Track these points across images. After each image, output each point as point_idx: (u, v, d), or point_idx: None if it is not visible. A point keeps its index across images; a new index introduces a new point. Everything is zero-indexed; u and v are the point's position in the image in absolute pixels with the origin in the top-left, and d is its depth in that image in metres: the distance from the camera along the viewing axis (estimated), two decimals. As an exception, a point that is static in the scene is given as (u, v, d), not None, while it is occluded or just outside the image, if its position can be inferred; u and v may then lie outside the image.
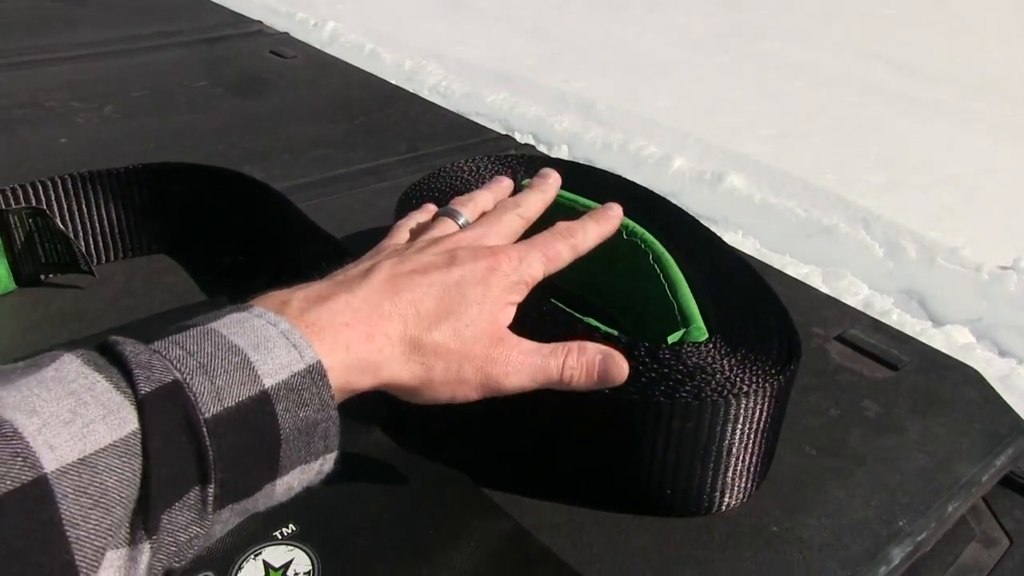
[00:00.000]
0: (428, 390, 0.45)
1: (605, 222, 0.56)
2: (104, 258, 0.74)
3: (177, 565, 0.36)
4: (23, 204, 0.69)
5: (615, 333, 0.52)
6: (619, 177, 0.74)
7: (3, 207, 0.68)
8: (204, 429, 0.34)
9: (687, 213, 0.69)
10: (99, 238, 0.74)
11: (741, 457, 0.51)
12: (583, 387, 0.47)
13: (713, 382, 0.49)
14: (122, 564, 0.33)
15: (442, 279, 0.45)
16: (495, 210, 0.55)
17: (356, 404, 0.55)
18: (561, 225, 0.53)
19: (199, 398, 0.34)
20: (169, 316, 0.68)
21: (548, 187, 0.59)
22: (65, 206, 0.71)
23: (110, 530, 0.32)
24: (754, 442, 0.51)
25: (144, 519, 0.33)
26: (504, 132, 1.09)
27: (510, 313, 0.48)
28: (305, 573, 0.47)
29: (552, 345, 0.47)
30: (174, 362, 0.35)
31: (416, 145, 0.99)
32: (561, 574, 0.47)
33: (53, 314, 0.68)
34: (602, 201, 0.61)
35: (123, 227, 0.74)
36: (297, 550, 0.48)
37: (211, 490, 0.35)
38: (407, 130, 1.04)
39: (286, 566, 0.47)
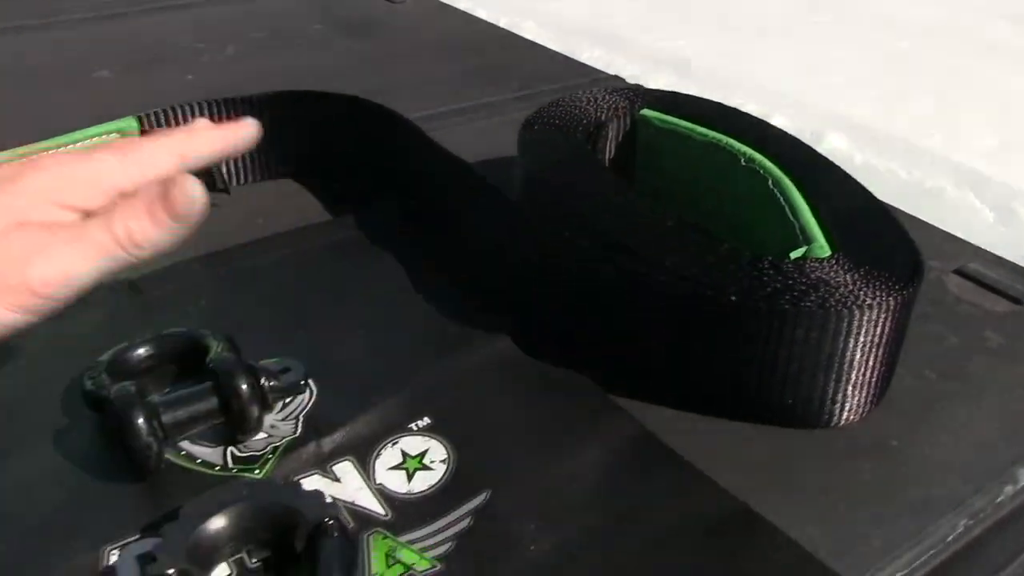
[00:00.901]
0: None
1: (223, 129, 0.47)
2: (234, 181, 0.77)
3: None
4: (164, 127, 0.72)
5: (729, 248, 0.53)
6: (735, 110, 0.74)
7: (147, 129, 0.71)
8: None
9: (805, 144, 0.69)
10: (230, 162, 0.77)
11: (861, 371, 0.51)
12: (153, 239, 0.38)
13: (837, 294, 0.50)
14: None
15: None
16: None
17: (483, 318, 0.58)
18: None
19: None
20: (298, 233, 0.71)
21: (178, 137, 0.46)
22: (200, 130, 0.74)
23: None
24: (875, 356, 0.51)
25: None
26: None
27: (51, 216, 0.38)
28: (441, 460, 0.49)
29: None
30: None
31: (528, 84, 1.01)
32: (685, 473, 0.49)
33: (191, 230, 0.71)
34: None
35: (252, 151, 0.77)
36: (433, 440, 0.50)
37: None
38: (518, 70, 1.06)
39: (422, 454, 0.50)
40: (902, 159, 2.86)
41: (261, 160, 0.78)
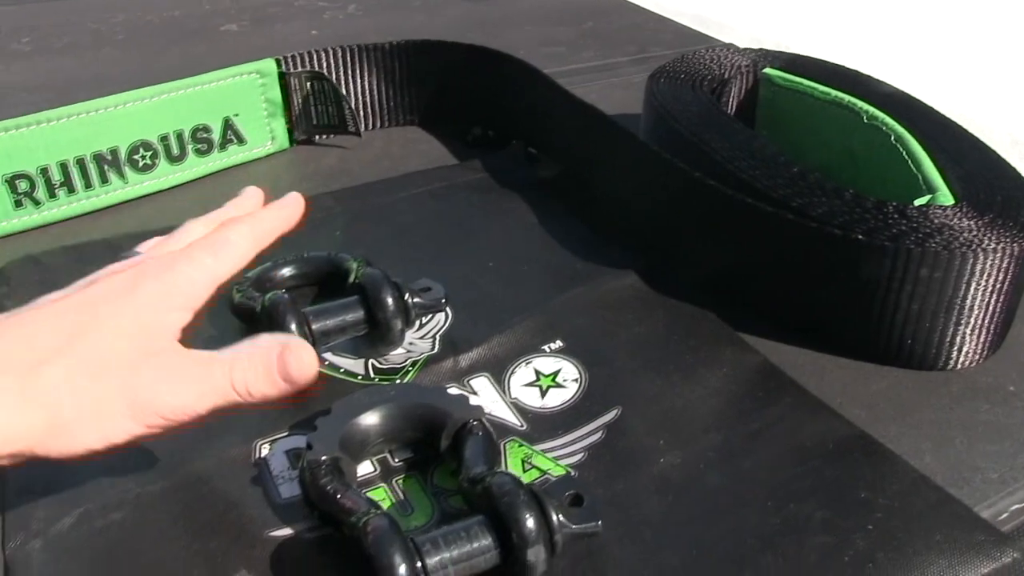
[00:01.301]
0: (66, 436, 0.35)
1: (283, 208, 0.48)
2: (364, 126, 0.81)
3: None
4: (300, 68, 0.76)
5: (855, 193, 0.55)
6: (854, 71, 0.75)
7: (286, 71, 0.75)
8: None
9: (923, 102, 0.70)
10: (360, 108, 0.81)
11: (981, 315, 0.53)
12: (266, 394, 0.40)
13: (961, 238, 0.51)
14: None
15: (65, 305, 0.37)
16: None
17: (612, 255, 0.60)
18: (231, 219, 0.45)
19: None
20: (428, 173, 0.74)
21: (266, 215, 0.47)
22: (333, 76, 0.78)
23: None
24: (995, 302, 0.53)
25: None
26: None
27: (172, 325, 0.39)
28: (573, 380, 0.52)
29: (223, 350, 0.40)
30: None
31: (644, 48, 1.03)
32: (806, 402, 0.50)
33: (324, 169, 0.76)
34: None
35: (382, 98, 0.81)
36: (565, 361, 0.53)
37: None
38: (635, 35, 1.08)
39: (555, 373, 0.52)
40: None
41: (389, 107, 0.81)
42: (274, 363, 0.40)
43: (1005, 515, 0.45)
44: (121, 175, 0.71)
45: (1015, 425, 0.51)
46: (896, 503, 0.44)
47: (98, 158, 0.69)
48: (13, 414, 0.34)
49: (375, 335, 0.53)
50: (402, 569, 0.36)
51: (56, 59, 1.01)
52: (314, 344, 0.51)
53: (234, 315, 0.55)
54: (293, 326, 0.50)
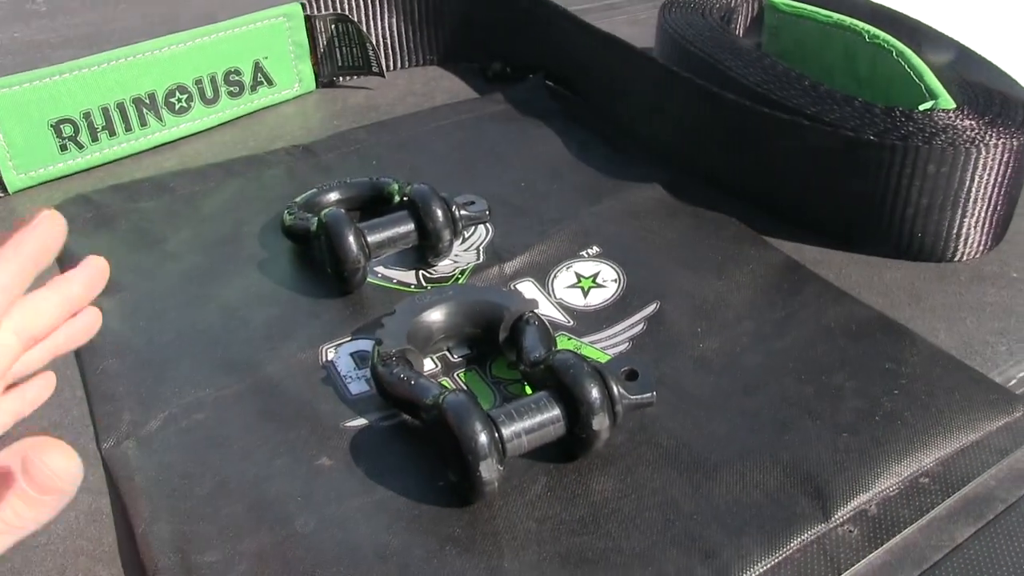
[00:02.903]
0: None
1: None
2: (386, 66, 0.84)
3: None
4: (326, 11, 0.79)
5: (863, 101, 0.59)
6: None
7: (311, 14, 0.78)
8: None
9: (925, 23, 0.74)
10: (382, 48, 0.84)
11: (984, 207, 0.57)
12: (37, 516, 0.30)
13: (964, 136, 0.55)
14: None
15: None
16: None
17: (636, 170, 0.64)
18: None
19: None
20: (453, 107, 0.78)
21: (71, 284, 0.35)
22: (355, 18, 0.81)
23: None
24: (997, 195, 0.57)
25: None
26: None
27: None
28: (612, 280, 0.56)
29: None
30: None
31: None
32: (828, 290, 0.55)
33: (351, 107, 0.79)
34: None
35: (404, 38, 0.84)
36: (603, 264, 0.57)
37: None
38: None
39: (595, 275, 0.57)
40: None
41: (411, 47, 0.85)
42: (20, 481, 0.29)
43: (1014, 381, 0.49)
44: (159, 118, 0.74)
45: (1019, 306, 0.55)
46: (918, 371, 0.48)
47: (137, 102, 0.73)
48: None
49: (425, 246, 0.57)
50: (483, 436, 0.40)
51: (75, 15, 1.03)
52: (368, 256, 0.55)
53: (287, 237, 0.58)
54: (351, 238, 0.53)
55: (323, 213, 0.55)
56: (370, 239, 0.55)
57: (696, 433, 0.45)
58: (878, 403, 0.46)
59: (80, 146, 0.71)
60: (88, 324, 0.38)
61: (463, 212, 0.57)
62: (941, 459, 0.44)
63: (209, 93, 0.76)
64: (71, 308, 0.35)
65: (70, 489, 0.31)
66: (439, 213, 0.56)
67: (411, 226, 0.56)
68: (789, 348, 0.50)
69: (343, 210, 0.55)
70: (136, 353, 0.51)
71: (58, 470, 0.30)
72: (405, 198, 0.57)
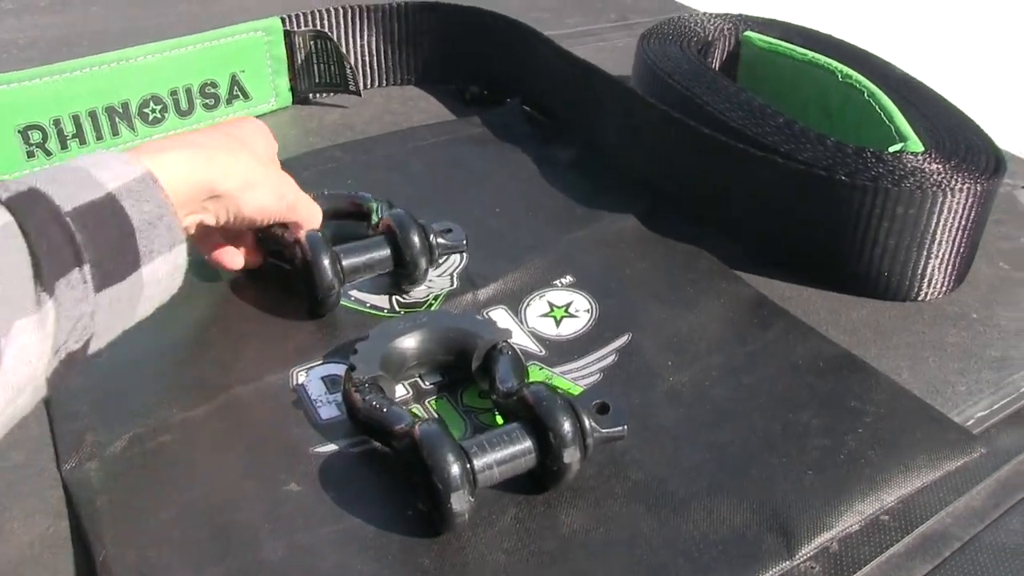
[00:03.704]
0: (257, 189, 0.51)
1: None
2: (363, 85, 0.85)
3: (76, 347, 0.40)
4: (304, 28, 0.79)
5: (836, 140, 0.60)
6: (827, 35, 0.81)
7: (290, 29, 0.78)
8: (67, 219, 0.38)
9: (895, 66, 0.76)
10: (360, 67, 0.84)
11: (948, 249, 0.58)
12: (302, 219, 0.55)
13: (931, 179, 0.57)
14: (33, 328, 0.36)
15: (221, 128, 0.55)
16: None
17: (611, 200, 0.64)
18: None
19: (55, 199, 0.39)
20: (431, 127, 0.78)
21: None
22: (334, 35, 0.82)
23: (10, 299, 0.35)
24: (960, 238, 0.58)
25: (42, 286, 0.37)
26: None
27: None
28: (585, 310, 0.57)
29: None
30: (26, 181, 0.39)
31: (625, 15, 1.07)
32: (796, 326, 0.56)
33: (327, 124, 0.79)
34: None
35: (382, 58, 0.85)
36: (576, 294, 0.58)
37: (87, 270, 0.39)
38: (615, 3, 1.13)
39: (567, 305, 0.57)
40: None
41: (389, 66, 0.85)
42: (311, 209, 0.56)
43: (972, 421, 0.51)
44: (132, 127, 0.74)
45: (978, 347, 0.56)
46: (881, 410, 0.49)
47: (109, 110, 0.72)
48: (226, 160, 0.49)
49: (400, 273, 0.57)
50: (455, 468, 0.40)
51: (43, 16, 1.02)
52: (343, 280, 0.55)
53: (264, 249, 0.58)
54: (326, 263, 0.53)
55: (301, 234, 0.55)
56: (345, 263, 0.55)
57: (665, 467, 0.46)
58: (843, 442, 0.47)
59: (48, 153, 0.70)
60: None
61: (440, 240, 0.57)
62: (902, 498, 0.45)
63: (184, 105, 0.76)
64: None
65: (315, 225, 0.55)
66: (416, 241, 0.56)
67: (387, 252, 0.56)
68: (758, 383, 0.51)
69: (319, 233, 0.55)
70: (102, 371, 0.50)
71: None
72: (382, 221, 0.57)
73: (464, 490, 0.40)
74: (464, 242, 0.59)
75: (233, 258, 0.56)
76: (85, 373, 0.49)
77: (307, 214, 0.55)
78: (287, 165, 0.69)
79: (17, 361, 0.36)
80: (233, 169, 0.49)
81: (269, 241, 0.57)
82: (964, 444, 0.48)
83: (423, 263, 0.56)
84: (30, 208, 0.37)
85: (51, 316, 0.37)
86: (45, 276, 0.36)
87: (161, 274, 0.44)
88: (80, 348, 0.40)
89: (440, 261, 0.60)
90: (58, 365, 0.38)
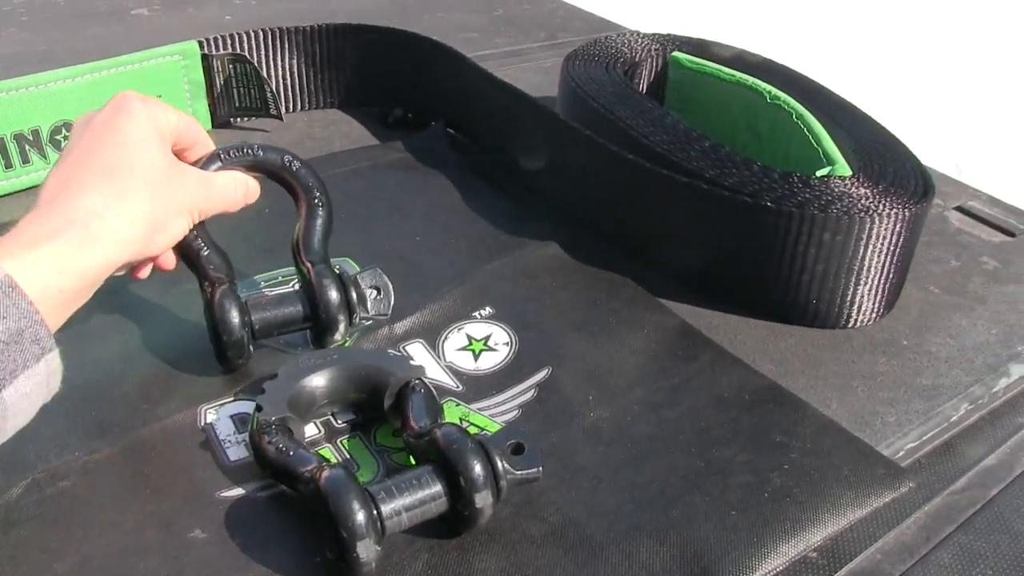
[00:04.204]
0: (164, 230, 0.47)
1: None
2: (285, 109, 0.82)
3: None
4: (220, 51, 0.77)
5: (762, 165, 0.59)
6: (757, 55, 0.80)
7: (208, 53, 0.76)
8: None
9: (824, 86, 0.75)
10: (281, 90, 0.82)
11: (877, 276, 0.57)
12: (238, 204, 0.54)
13: (859, 204, 0.56)
14: None
15: (95, 138, 0.46)
16: None
17: (532, 227, 0.63)
18: None
19: None
20: (351, 153, 0.76)
21: None
22: (254, 58, 0.79)
23: None
24: (889, 263, 0.57)
25: None
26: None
27: (172, 134, 0.50)
28: (504, 343, 0.55)
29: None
30: None
31: (554, 35, 1.06)
32: (722, 357, 0.54)
33: (247, 150, 0.76)
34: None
35: (303, 81, 0.82)
36: (495, 327, 0.56)
37: None
38: (544, 22, 1.11)
39: (487, 338, 0.55)
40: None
41: (310, 90, 0.83)
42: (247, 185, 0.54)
43: (902, 453, 0.49)
44: (43, 155, 0.71)
45: (908, 375, 0.55)
46: (808, 444, 0.48)
47: (18, 138, 0.69)
48: (115, 232, 0.43)
49: (316, 329, 0.53)
50: (360, 516, 0.38)
51: (-45, 39, 0.99)
52: (254, 337, 0.51)
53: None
54: (235, 320, 0.50)
55: (218, 290, 0.51)
56: (256, 322, 0.51)
57: (583, 508, 0.44)
58: (767, 478, 0.46)
59: (-44, 182, 0.67)
60: None
61: (361, 314, 0.53)
62: (829, 536, 0.43)
63: (98, 131, 0.73)
64: None
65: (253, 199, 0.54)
66: (334, 300, 0.52)
67: (302, 311, 0.52)
68: (681, 418, 0.50)
69: (230, 286, 0.51)
70: None
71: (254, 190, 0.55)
72: (306, 271, 0.53)
73: (370, 538, 0.38)
74: (388, 314, 0.54)
75: (163, 265, 0.52)
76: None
77: (221, 205, 0.52)
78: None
79: None
80: (128, 233, 0.44)
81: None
82: (892, 479, 0.46)
83: (341, 325, 0.52)
84: None
85: None
86: None
87: (28, 388, 0.39)
88: None
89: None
90: None
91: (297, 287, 0.54)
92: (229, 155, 0.54)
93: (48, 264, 0.40)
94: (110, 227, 0.43)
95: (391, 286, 0.54)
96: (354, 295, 0.53)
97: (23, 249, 0.40)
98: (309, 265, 0.53)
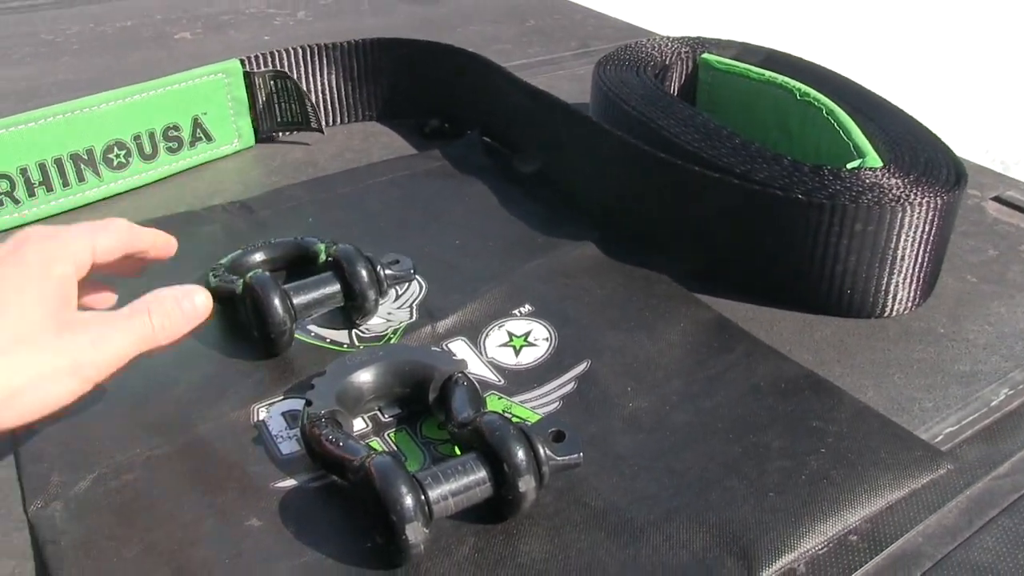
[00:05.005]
0: (18, 402, 0.40)
1: (160, 234, 0.53)
2: (325, 122, 0.85)
3: None
4: (265, 67, 0.79)
5: (792, 160, 0.60)
6: (784, 53, 0.81)
7: (250, 70, 0.78)
8: None
9: (855, 82, 0.76)
10: (321, 104, 0.84)
11: (911, 265, 0.58)
12: (180, 333, 0.47)
13: (890, 194, 0.56)
14: None
15: None
16: None
17: (568, 228, 0.65)
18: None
19: None
20: (389, 163, 0.78)
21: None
22: (294, 74, 0.82)
23: None
24: (923, 253, 0.58)
25: None
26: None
27: (63, 279, 0.43)
28: (544, 339, 0.56)
29: (125, 308, 0.45)
30: None
31: (586, 43, 1.08)
32: (758, 348, 0.55)
33: (290, 163, 0.79)
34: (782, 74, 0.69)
35: (342, 95, 0.85)
36: (535, 323, 0.57)
37: None
38: (576, 31, 1.13)
39: (527, 334, 0.57)
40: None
41: (349, 103, 0.85)
42: (180, 307, 0.47)
43: (940, 437, 0.50)
44: (97, 173, 0.73)
45: (946, 362, 0.56)
46: (845, 429, 0.49)
47: (75, 157, 0.72)
48: None
49: (351, 306, 0.56)
50: (408, 500, 0.40)
51: (15, 68, 1.03)
52: (295, 317, 0.54)
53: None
54: (276, 301, 0.53)
55: (248, 275, 0.54)
56: (296, 301, 0.54)
57: (623, 493, 0.45)
58: (804, 462, 0.46)
59: (16, 201, 0.70)
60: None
61: (388, 272, 0.57)
62: (867, 517, 0.44)
63: (148, 149, 0.76)
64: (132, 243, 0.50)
65: (205, 319, 0.49)
66: (363, 273, 0.56)
67: (337, 287, 0.56)
68: (718, 407, 0.50)
69: (267, 273, 0.55)
70: (67, 414, 0.49)
71: (205, 303, 0.49)
72: (330, 259, 0.57)
73: (418, 521, 0.40)
74: (413, 271, 0.59)
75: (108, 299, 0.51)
76: (51, 416, 0.49)
77: (133, 348, 0.45)
78: (251, 204, 0.70)
79: None
80: None
81: (219, 292, 0.56)
82: (930, 461, 0.47)
83: (372, 295, 0.56)
84: None
85: None
86: None
87: None
88: None
89: (398, 291, 0.60)
90: None
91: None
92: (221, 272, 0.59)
93: None
94: None
95: (407, 257, 0.59)
96: (377, 266, 0.57)
97: None
98: (332, 249, 0.57)
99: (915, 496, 0.46)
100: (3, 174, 0.69)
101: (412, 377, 0.50)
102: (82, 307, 0.46)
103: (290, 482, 0.46)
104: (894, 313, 0.59)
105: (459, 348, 0.55)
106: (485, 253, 0.65)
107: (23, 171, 0.69)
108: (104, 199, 0.74)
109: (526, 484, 0.42)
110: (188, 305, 0.48)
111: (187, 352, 0.55)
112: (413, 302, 0.60)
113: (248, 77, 0.79)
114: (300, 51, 0.81)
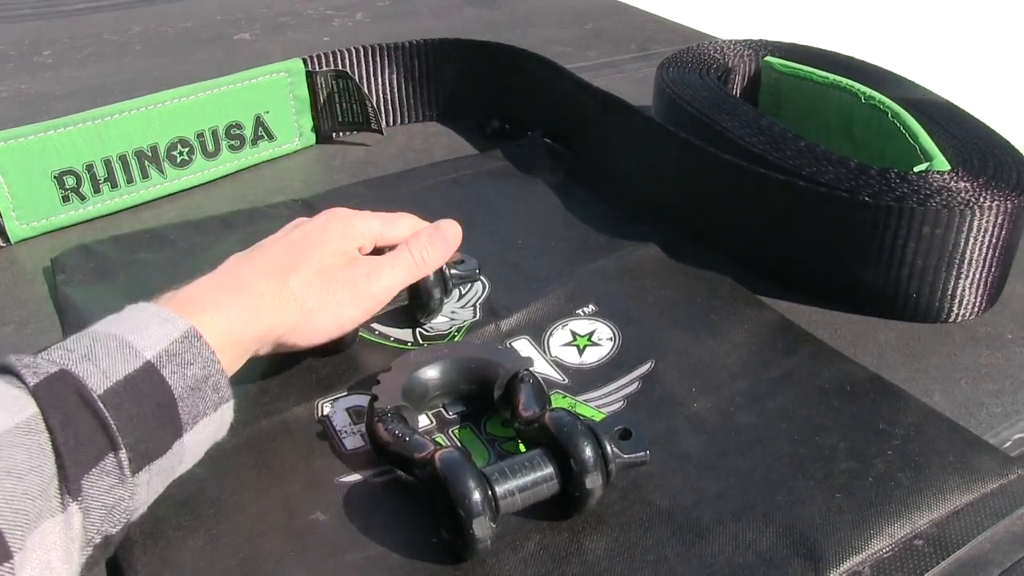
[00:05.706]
0: (313, 320, 0.49)
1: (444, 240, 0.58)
2: (385, 123, 0.85)
3: (113, 531, 0.39)
4: (325, 67, 0.80)
5: (858, 162, 0.59)
6: (848, 56, 0.80)
7: (312, 70, 0.79)
8: (100, 403, 0.37)
9: (921, 85, 0.75)
10: (381, 105, 0.85)
11: (979, 269, 0.57)
12: (439, 260, 0.55)
13: (959, 198, 0.56)
14: (59, 529, 0.35)
15: (286, 238, 0.52)
16: None
17: (631, 229, 0.64)
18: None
19: (87, 379, 0.38)
20: (452, 163, 0.79)
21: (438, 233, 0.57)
22: (355, 74, 0.82)
23: (27, 495, 0.34)
24: (991, 257, 0.57)
25: (66, 485, 0.36)
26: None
27: (353, 247, 0.53)
28: (608, 338, 0.56)
29: (392, 251, 0.54)
30: (57, 359, 0.38)
31: (645, 46, 1.08)
32: (823, 350, 0.55)
33: (351, 162, 0.80)
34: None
35: (403, 95, 0.85)
36: (599, 323, 0.58)
37: (123, 455, 0.38)
38: (635, 34, 1.13)
39: (591, 334, 0.57)
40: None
41: (410, 104, 0.86)
42: (436, 236, 0.55)
43: (1009, 443, 0.49)
44: (160, 170, 0.75)
45: (1014, 367, 0.55)
46: (911, 432, 0.48)
47: (139, 154, 0.73)
48: (278, 307, 0.48)
49: (417, 304, 0.57)
50: (476, 494, 0.40)
51: (80, 68, 1.05)
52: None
53: None
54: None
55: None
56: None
57: (689, 492, 0.45)
58: (871, 464, 0.46)
59: (82, 197, 0.71)
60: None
61: (453, 271, 0.57)
62: (935, 521, 0.44)
63: (211, 146, 0.77)
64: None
65: (457, 244, 0.57)
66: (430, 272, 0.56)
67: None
68: (783, 408, 0.50)
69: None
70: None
71: (457, 231, 0.57)
72: None
73: (486, 516, 0.40)
74: (478, 271, 0.59)
75: None
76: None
77: (401, 281, 0.54)
78: (313, 202, 0.70)
79: (39, 572, 0.35)
80: (285, 314, 0.48)
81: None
82: (1000, 466, 0.46)
83: (437, 294, 0.56)
84: (59, 395, 0.37)
85: (77, 518, 0.37)
86: (70, 475, 0.36)
87: (205, 435, 0.44)
88: (118, 531, 0.39)
89: (462, 291, 0.60)
90: (92, 551, 0.38)
91: None
92: None
93: (221, 326, 0.45)
94: (271, 304, 0.48)
95: (472, 258, 0.60)
96: (443, 266, 0.57)
97: (206, 307, 0.45)
98: None
99: (983, 501, 0.45)
100: (70, 170, 0.70)
101: (477, 374, 0.50)
102: None
103: (355, 476, 0.47)
104: (960, 318, 0.59)
105: (523, 347, 0.56)
106: (548, 253, 0.65)
107: (89, 167, 0.71)
108: (167, 195, 0.75)
109: (593, 481, 0.42)
110: (440, 238, 0.55)
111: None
112: (477, 301, 0.60)
113: (310, 76, 0.80)
114: (362, 51, 0.82)
